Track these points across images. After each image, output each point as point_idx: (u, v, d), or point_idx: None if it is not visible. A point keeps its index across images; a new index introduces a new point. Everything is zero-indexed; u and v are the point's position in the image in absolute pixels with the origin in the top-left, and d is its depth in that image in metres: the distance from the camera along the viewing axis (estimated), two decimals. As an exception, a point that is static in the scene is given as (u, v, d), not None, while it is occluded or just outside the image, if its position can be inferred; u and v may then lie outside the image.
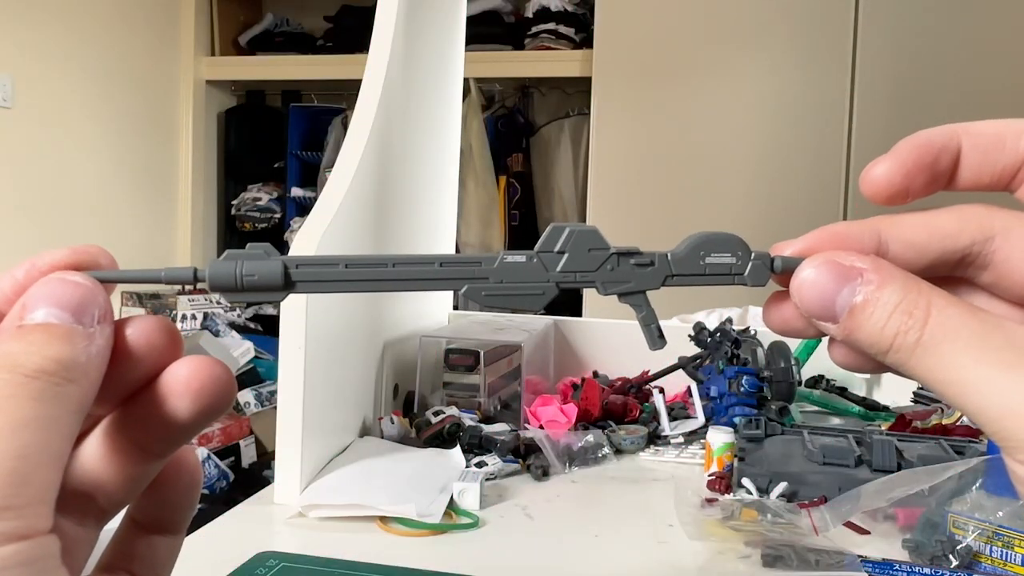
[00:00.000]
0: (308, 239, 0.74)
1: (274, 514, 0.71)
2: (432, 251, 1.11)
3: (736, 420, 0.90)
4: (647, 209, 2.61)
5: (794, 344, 1.06)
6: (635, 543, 0.68)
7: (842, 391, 1.11)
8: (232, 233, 3.57)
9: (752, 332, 1.05)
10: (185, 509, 0.27)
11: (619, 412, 0.98)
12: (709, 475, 0.81)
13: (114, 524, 0.27)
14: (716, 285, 0.27)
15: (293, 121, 3.45)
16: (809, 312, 0.25)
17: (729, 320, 1.06)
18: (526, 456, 0.84)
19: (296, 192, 3.43)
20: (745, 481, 0.78)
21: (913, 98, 2.41)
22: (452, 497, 0.73)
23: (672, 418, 0.98)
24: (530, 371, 1.01)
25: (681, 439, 0.94)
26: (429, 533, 0.67)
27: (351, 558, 0.61)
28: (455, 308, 1.25)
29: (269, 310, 3.07)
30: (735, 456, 0.81)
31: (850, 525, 0.68)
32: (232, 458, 2.49)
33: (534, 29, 3.00)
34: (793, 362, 1.00)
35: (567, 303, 2.50)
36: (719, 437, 0.81)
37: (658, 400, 0.97)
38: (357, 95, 0.85)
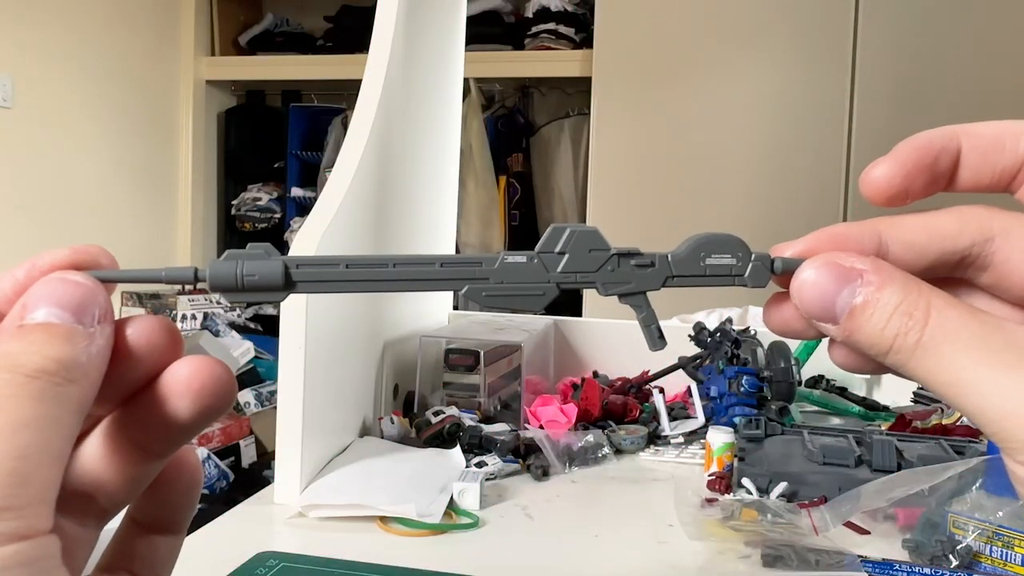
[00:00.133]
0: (308, 239, 0.74)
1: (274, 514, 0.71)
2: (432, 251, 1.11)
3: (736, 420, 0.90)
4: (647, 209, 2.61)
5: (794, 344, 1.06)
6: (635, 543, 0.68)
7: (842, 391, 1.11)
8: (232, 233, 3.57)
9: (752, 332, 1.05)
10: (186, 509, 0.27)
11: (619, 412, 0.98)
12: (709, 475, 0.81)
13: (114, 524, 0.27)
14: (716, 286, 0.27)
15: (293, 121, 3.45)
16: (809, 313, 0.25)
17: (729, 320, 1.06)
18: (526, 456, 0.84)
19: (296, 192, 3.43)
20: (745, 481, 0.78)
21: (913, 98, 2.41)
22: (452, 497, 0.73)
23: (672, 418, 0.98)
24: (530, 371, 1.01)
25: (681, 439, 0.94)
26: (429, 533, 0.67)
27: (351, 558, 0.61)
28: (455, 308, 1.26)
29: (269, 310, 3.07)
30: (735, 456, 0.81)
31: (850, 525, 0.68)
32: (232, 458, 2.50)
33: (534, 29, 3.00)
34: (793, 362, 1.00)
35: (567, 303, 2.50)
36: (719, 437, 0.81)
37: (658, 400, 0.97)
38: (357, 95, 0.85)
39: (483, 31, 2.93)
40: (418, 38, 0.98)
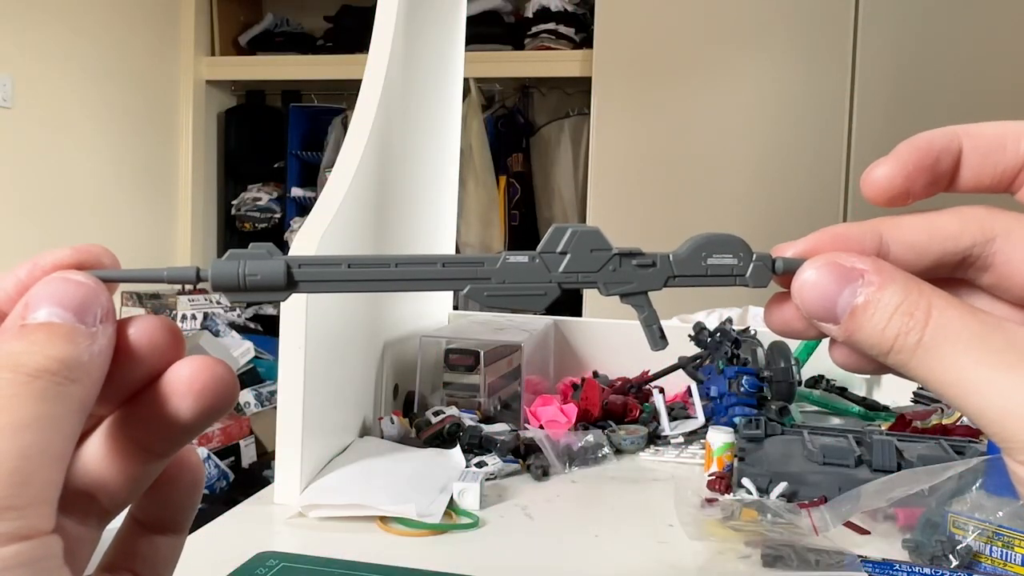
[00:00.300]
0: (308, 239, 0.74)
1: (274, 514, 0.71)
2: (432, 251, 1.11)
3: (736, 420, 0.90)
4: (647, 209, 2.61)
5: (794, 344, 1.06)
6: (635, 543, 0.68)
7: (842, 391, 1.11)
8: (232, 233, 3.57)
9: (752, 332, 1.05)
10: (187, 509, 0.27)
11: (619, 412, 0.98)
12: (709, 475, 0.81)
13: (116, 524, 0.27)
14: (718, 286, 0.27)
15: (293, 121, 3.45)
16: (810, 313, 0.25)
17: (729, 320, 1.06)
18: (526, 456, 0.84)
19: (296, 192, 3.43)
20: (745, 481, 0.78)
21: (913, 98, 2.41)
22: (452, 497, 0.73)
23: (672, 418, 0.98)
24: (530, 371, 1.01)
25: (681, 439, 0.94)
26: (429, 533, 0.67)
27: (351, 558, 0.61)
28: (455, 308, 1.26)
29: (269, 310, 3.07)
30: (735, 456, 0.81)
31: (850, 525, 0.68)
32: (232, 458, 2.50)
33: (534, 29, 3.00)
34: (793, 362, 1.00)
35: (567, 303, 2.50)
36: (719, 437, 0.81)
37: (658, 400, 0.97)
38: (357, 95, 0.85)
39: (483, 31, 2.93)
40: (418, 38, 0.98)
